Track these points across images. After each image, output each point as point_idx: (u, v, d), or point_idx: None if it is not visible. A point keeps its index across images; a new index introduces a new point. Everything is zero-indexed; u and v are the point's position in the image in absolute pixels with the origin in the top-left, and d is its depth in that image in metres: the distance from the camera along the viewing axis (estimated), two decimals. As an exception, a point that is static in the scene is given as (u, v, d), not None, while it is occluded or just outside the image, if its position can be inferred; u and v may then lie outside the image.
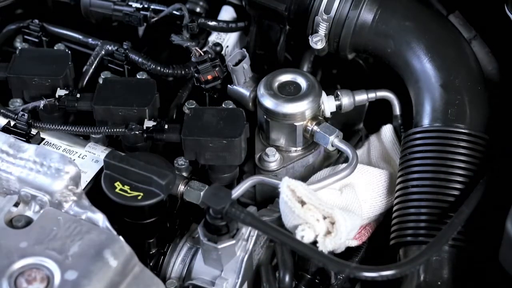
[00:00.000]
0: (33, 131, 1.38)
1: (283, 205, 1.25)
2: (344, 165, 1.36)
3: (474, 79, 1.36)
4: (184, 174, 1.39)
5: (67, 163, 1.19)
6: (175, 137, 1.35)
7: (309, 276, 1.34)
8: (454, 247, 1.26)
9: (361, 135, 1.54)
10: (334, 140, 1.38)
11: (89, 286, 1.08)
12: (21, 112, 1.37)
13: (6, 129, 1.36)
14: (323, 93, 1.41)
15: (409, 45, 1.38)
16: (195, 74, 1.44)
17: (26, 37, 1.55)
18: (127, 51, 1.49)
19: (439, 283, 1.25)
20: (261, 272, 1.26)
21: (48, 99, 1.39)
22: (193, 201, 1.35)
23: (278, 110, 1.38)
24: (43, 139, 1.39)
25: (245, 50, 1.42)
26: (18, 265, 1.10)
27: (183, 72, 1.49)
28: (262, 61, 1.55)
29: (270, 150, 1.40)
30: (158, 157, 1.30)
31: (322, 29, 1.41)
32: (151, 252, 1.34)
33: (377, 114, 1.52)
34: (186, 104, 1.44)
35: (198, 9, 1.61)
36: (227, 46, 1.57)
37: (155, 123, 1.36)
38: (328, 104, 1.43)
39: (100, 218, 1.18)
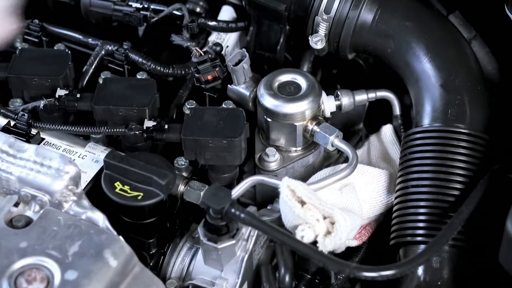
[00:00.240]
0: (33, 131, 1.38)
1: (283, 205, 1.24)
2: (344, 165, 1.36)
3: (474, 79, 1.36)
4: (184, 174, 1.39)
5: (67, 163, 1.19)
6: (175, 137, 1.35)
7: (309, 276, 1.34)
8: (454, 247, 1.26)
9: (361, 135, 1.54)
10: (334, 140, 1.38)
11: (89, 286, 1.08)
12: (21, 112, 1.36)
13: (6, 129, 1.36)
14: (323, 93, 1.41)
15: (409, 45, 1.38)
16: (195, 74, 1.44)
17: (26, 37, 1.55)
18: (127, 51, 1.49)
19: (439, 283, 1.25)
20: (261, 272, 1.25)
21: (48, 99, 1.38)
22: (193, 201, 1.35)
23: (278, 110, 1.38)
24: (43, 139, 1.39)
25: (245, 50, 1.41)
26: (18, 265, 1.10)
27: (183, 72, 1.49)
28: (262, 61, 1.55)
29: (270, 150, 1.40)
30: (158, 157, 1.30)
31: (322, 29, 1.41)
32: (151, 252, 1.33)
33: (377, 114, 1.52)
34: (186, 104, 1.44)
35: (198, 9, 1.60)
36: (227, 46, 1.56)
37: (155, 123, 1.36)
38: (328, 104, 1.43)
39: (100, 218, 1.18)
